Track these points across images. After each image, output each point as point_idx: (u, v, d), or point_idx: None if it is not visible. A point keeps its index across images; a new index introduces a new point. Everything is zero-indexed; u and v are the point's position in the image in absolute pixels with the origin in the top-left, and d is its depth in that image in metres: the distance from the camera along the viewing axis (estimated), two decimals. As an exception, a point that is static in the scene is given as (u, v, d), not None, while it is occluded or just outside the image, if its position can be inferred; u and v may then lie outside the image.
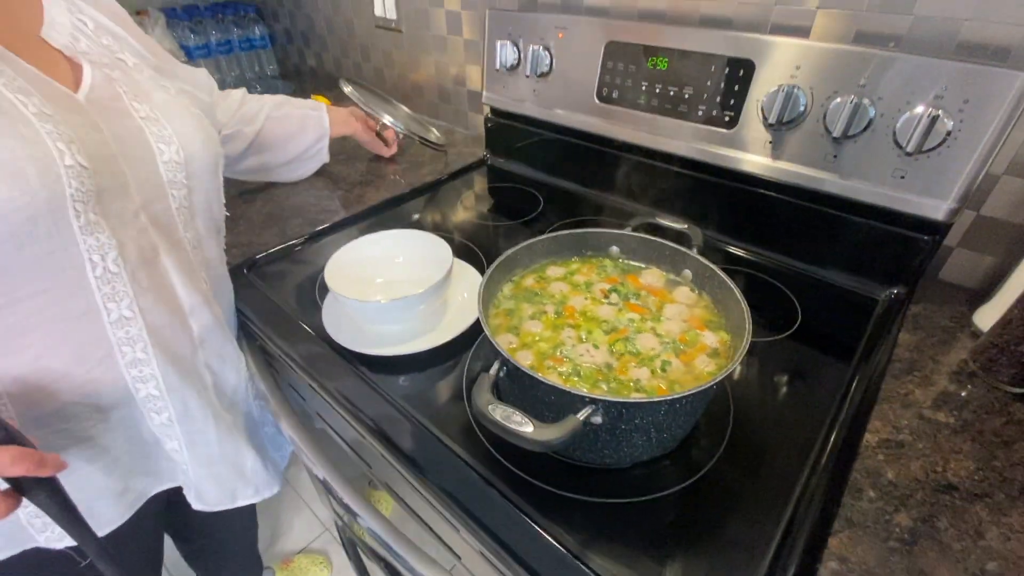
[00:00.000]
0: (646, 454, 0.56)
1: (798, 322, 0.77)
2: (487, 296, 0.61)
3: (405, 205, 1.13)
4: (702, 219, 0.97)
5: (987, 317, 0.72)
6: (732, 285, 0.60)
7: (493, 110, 1.26)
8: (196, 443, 0.69)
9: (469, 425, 0.62)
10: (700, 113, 0.88)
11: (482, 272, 0.78)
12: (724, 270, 0.62)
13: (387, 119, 1.23)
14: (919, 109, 0.69)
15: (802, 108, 0.77)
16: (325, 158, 1.13)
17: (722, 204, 0.94)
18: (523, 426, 0.44)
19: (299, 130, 1.06)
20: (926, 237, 0.75)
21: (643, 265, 0.72)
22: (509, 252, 0.68)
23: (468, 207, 1.12)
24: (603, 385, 0.54)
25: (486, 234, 1.02)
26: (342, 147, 1.37)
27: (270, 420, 0.85)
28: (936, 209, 0.72)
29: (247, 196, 1.12)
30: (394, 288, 0.80)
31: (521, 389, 0.55)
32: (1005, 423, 0.61)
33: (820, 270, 0.87)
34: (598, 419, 0.47)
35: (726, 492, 0.55)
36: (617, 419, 0.49)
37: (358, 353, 0.71)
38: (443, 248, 0.77)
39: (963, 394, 0.65)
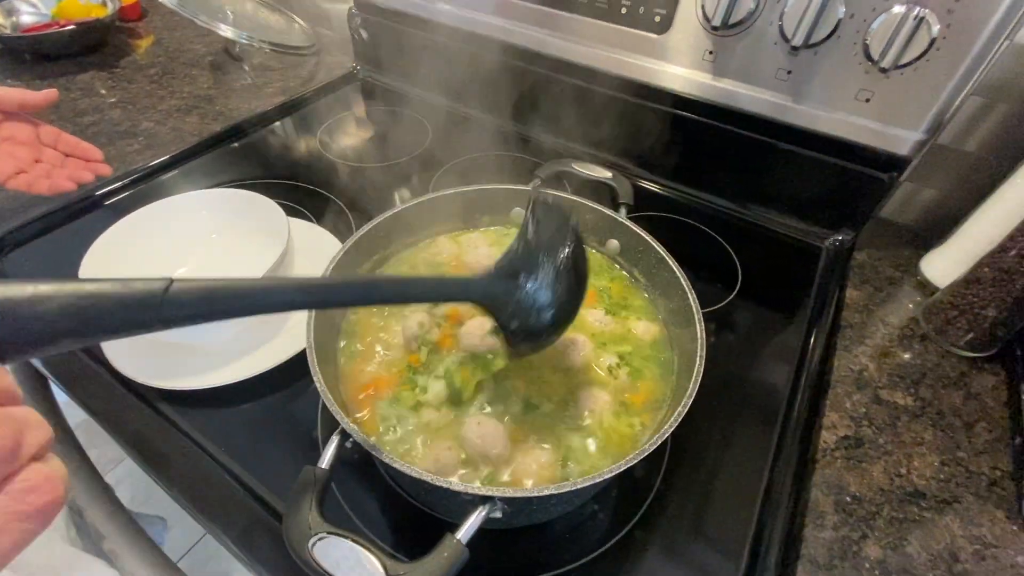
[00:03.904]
0: (567, 510, 0.42)
1: (738, 283, 0.64)
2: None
3: (235, 146, 0.83)
4: (622, 153, 0.79)
5: (937, 266, 0.63)
6: (679, 274, 0.44)
7: (359, 2, 0.94)
8: None
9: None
10: (624, 11, 0.66)
11: (342, 239, 0.57)
12: (645, 218, 0.46)
13: (225, 28, 0.87)
14: (899, 8, 0.53)
15: (754, 3, 0.58)
16: None
17: (646, 134, 0.76)
18: (366, 571, 0.27)
19: None
20: (884, 176, 0.63)
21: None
22: (360, 232, 0.47)
23: (329, 142, 0.85)
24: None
25: (355, 181, 0.77)
26: (154, 58, 1.00)
27: None
28: (902, 142, 0.59)
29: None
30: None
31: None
32: (964, 398, 0.53)
33: (758, 214, 0.73)
34: (498, 515, 0.31)
35: (666, 540, 0.43)
36: (526, 505, 0.33)
37: (157, 388, 0.48)
38: (274, 213, 0.54)
39: (918, 362, 0.56)
